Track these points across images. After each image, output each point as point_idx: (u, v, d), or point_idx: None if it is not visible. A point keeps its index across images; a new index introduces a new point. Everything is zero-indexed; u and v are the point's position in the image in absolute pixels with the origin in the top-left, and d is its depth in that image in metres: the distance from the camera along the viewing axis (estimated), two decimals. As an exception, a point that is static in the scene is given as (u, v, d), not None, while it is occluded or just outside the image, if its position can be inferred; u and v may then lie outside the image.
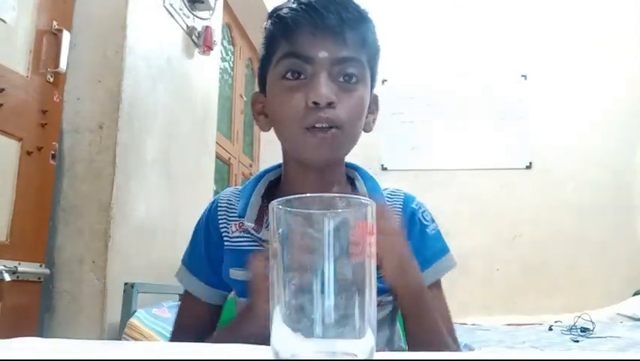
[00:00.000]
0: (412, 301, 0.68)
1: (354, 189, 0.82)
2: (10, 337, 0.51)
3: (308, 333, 0.40)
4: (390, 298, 0.79)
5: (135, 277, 1.93)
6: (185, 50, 2.49)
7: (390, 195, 0.83)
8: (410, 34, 4.14)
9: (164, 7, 2.28)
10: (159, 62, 2.23)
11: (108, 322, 1.81)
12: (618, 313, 3.06)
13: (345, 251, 0.41)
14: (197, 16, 2.59)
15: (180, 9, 2.43)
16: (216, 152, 3.00)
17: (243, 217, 0.78)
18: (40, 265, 1.82)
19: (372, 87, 0.80)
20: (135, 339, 1.72)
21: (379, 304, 0.74)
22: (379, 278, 0.71)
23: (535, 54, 4.06)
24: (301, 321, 0.41)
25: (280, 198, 0.43)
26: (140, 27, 2.06)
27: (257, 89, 0.84)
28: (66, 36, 1.98)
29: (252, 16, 3.49)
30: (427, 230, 0.82)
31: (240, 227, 0.80)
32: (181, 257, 0.89)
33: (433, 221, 0.83)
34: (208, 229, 0.83)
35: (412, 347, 0.74)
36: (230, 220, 0.81)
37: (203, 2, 2.54)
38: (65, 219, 1.85)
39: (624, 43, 3.99)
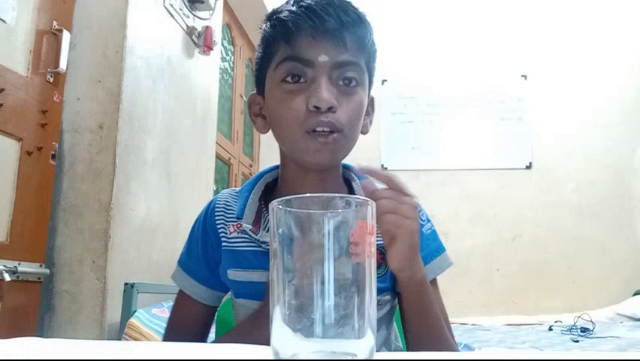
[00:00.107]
0: (416, 293, 0.68)
1: (350, 189, 0.82)
2: (10, 337, 0.51)
3: (308, 333, 0.41)
4: (389, 297, 0.79)
5: (135, 277, 1.93)
6: (185, 50, 2.49)
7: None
8: (410, 35, 4.14)
9: (164, 7, 2.28)
10: (159, 62, 2.23)
11: (108, 322, 1.81)
12: (618, 313, 3.05)
13: (345, 251, 0.41)
14: (197, 16, 2.59)
15: (180, 9, 2.43)
16: (216, 152, 3.00)
17: (241, 218, 0.78)
18: (40, 265, 1.82)
19: (369, 89, 0.80)
20: (135, 339, 1.72)
21: (377, 304, 0.74)
22: (378, 278, 0.71)
23: (535, 54, 4.06)
24: (301, 321, 0.41)
25: (280, 198, 0.43)
26: (140, 27, 2.06)
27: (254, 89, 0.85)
28: (66, 36, 1.98)
29: (252, 16, 3.50)
30: (423, 230, 0.82)
31: (237, 228, 0.80)
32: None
33: (429, 221, 0.83)
34: (205, 230, 0.83)
35: (412, 344, 0.74)
36: (228, 221, 0.81)
37: (203, 2, 2.54)
38: (65, 219, 1.85)
39: (624, 44, 3.99)
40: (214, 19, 2.74)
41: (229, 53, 3.53)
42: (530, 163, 3.98)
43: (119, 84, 1.93)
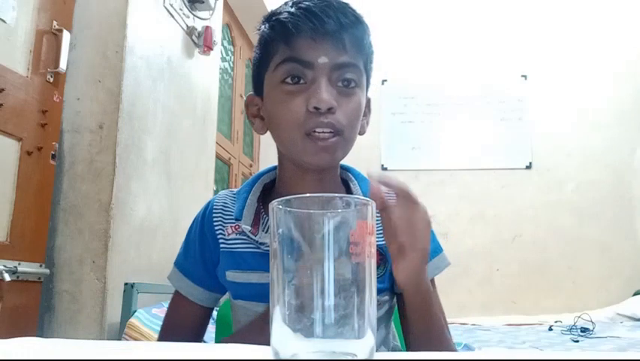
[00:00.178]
0: (421, 303, 0.68)
1: (348, 190, 0.82)
2: (10, 337, 0.51)
3: (308, 333, 0.41)
4: (387, 297, 0.79)
5: (135, 277, 1.93)
6: (185, 50, 2.49)
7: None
8: (410, 35, 4.14)
9: (164, 7, 2.28)
10: (159, 62, 2.23)
11: (108, 322, 1.81)
12: (618, 313, 3.06)
13: (345, 251, 0.41)
14: (197, 16, 2.59)
15: (180, 9, 2.43)
16: (216, 152, 3.00)
17: (240, 220, 0.78)
18: (40, 265, 1.82)
19: (366, 90, 0.80)
20: (135, 339, 1.72)
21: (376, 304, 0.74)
22: (377, 278, 0.71)
23: (535, 54, 4.06)
24: (301, 321, 0.41)
25: (280, 198, 0.43)
26: (140, 27, 2.06)
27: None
28: (66, 36, 1.98)
29: (252, 16, 3.50)
30: None
31: (236, 230, 0.80)
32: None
33: None
34: (203, 232, 0.83)
35: (413, 346, 0.74)
36: (226, 223, 0.81)
37: (203, 2, 2.54)
38: (65, 219, 1.85)
39: (624, 44, 3.99)
40: (214, 19, 2.74)
41: (229, 53, 3.53)
42: (530, 163, 3.98)
43: (119, 84, 1.93)
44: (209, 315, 0.88)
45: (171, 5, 2.33)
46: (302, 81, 0.73)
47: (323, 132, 0.71)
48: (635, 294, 3.45)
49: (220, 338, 1.02)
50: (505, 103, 4.07)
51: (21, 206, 1.78)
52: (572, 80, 4.00)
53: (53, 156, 1.92)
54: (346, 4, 0.75)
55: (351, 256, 0.42)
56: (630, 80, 3.96)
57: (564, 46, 4.03)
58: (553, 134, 3.97)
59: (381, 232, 0.62)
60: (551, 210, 3.88)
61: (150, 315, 1.83)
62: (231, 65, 3.57)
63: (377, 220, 0.56)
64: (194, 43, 2.58)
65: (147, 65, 2.12)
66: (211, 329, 1.04)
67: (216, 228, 0.82)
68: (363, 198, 0.44)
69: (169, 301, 0.89)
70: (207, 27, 2.60)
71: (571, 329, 2.50)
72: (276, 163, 0.84)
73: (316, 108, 0.70)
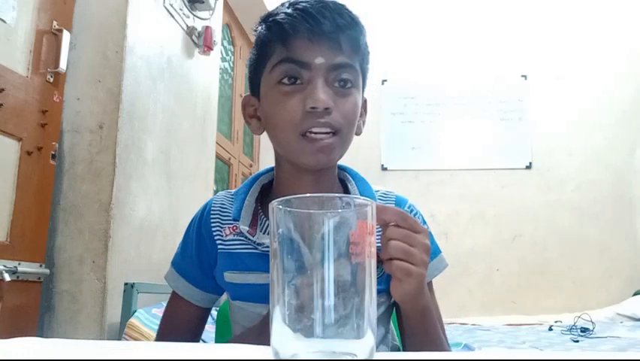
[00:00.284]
0: (419, 319, 0.68)
1: (345, 190, 0.83)
2: (10, 337, 0.51)
3: (308, 333, 0.41)
4: (384, 299, 0.79)
5: (135, 277, 1.93)
6: (185, 50, 2.49)
7: (382, 197, 0.84)
8: (410, 35, 4.14)
9: (164, 7, 2.28)
10: (159, 62, 2.23)
11: (108, 322, 1.81)
12: (618, 313, 3.06)
13: (345, 251, 0.41)
14: (197, 16, 2.59)
15: (180, 9, 2.43)
16: (216, 152, 3.00)
17: (238, 220, 0.78)
18: (40, 265, 1.82)
19: (363, 91, 0.80)
20: (135, 339, 1.72)
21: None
22: (377, 279, 0.71)
23: (535, 54, 4.06)
24: (301, 321, 0.41)
25: (280, 198, 0.43)
26: (140, 27, 2.06)
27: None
28: (66, 36, 1.98)
29: (252, 16, 3.50)
30: None
31: (234, 230, 0.80)
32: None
33: (425, 223, 0.84)
34: (200, 233, 0.83)
35: (409, 350, 0.74)
36: (224, 224, 0.81)
37: (203, 2, 2.54)
38: (65, 219, 1.85)
39: (623, 44, 3.99)
40: (214, 19, 2.74)
41: (229, 53, 3.53)
42: (530, 163, 3.98)
43: (119, 84, 1.93)
44: (207, 315, 0.88)
45: (171, 5, 2.33)
46: (299, 82, 0.73)
47: (319, 132, 0.72)
48: (635, 294, 3.45)
49: (220, 339, 1.02)
50: (505, 103, 4.07)
51: (21, 206, 1.78)
52: (572, 80, 4.00)
53: (53, 156, 1.92)
54: (342, 5, 0.75)
55: (351, 256, 0.42)
56: (631, 80, 3.96)
57: (564, 46, 4.03)
58: (553, 134, 3.97)
59: (379, 233, 0.61)
60: (551, 210, 3.88)
61: (150, 315, 1.83)
62: (231, 65, 3.57)
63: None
64: (194, 43, 2.58)
65: (147, 65, 2.12)
66: (211, 329, 1.04)
67: (214, 229, 0.82)
68: (363, 198, 0.44)
69: (167, 301, 0.89)
70: (207, 27, 2.60)
71: (571, 329, 2.50)
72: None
73: (313, 108, 0.71)
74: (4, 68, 1.72)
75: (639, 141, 3.91)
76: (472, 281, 3.81)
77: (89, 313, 1.79)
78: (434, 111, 4.12)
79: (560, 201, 3.89)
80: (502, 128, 4.04)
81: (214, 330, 1.05)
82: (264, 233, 0.77)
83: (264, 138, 0.80)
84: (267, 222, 0.79)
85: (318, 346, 0.40)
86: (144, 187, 2.08)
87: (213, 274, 0.82)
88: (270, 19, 0.76)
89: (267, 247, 0.75)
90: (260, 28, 0.78)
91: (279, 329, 0.41)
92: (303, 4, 0.73)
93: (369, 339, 0.42)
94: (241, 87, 3.71)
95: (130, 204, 1.97)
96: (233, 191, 0.85)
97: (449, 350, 0.76)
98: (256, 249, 0.77)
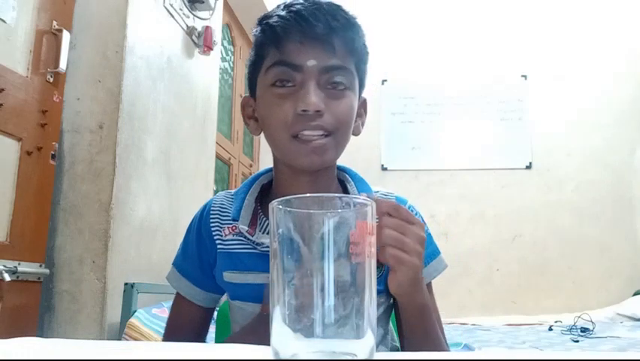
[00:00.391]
0: (417, 317, 0.68)
1: (345, 191, 0.83)
2: (10, 337, 0.51)
3: (308, 333, 0.41)
4: (383, 299, 0.79)
5: (135, 277, 1.93)
6: (185, 50, 2.49)
7: (381, 198, 0.84)
8: (410, 35, 4.14)
9: (164, 7, 2.28)
10: (159, 62, 2.23)
11: (108, 322, 1.81)
12: (618, 313, 3.06)
13: (345, 251, 0.41)
14: (197, 16, 2.59)
15: (180, 9, 2.43)
16: (216, 152, 3.00)
17: (237, 220, 0.78)
18: (40, 265, 1.82)
19: (360, 92, 0.80)
20: (135, 339, 1.72)
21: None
22: (377, 279, 0.71)
23: (535, 54, 4.06)
24: (301, 321, 0.41)
25: (280, 198, 0.43)
26: (140, 27, 2.06)
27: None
28: (66, 36, 1.98)
29: (252, 16, 3.50)
30: None
31: (233, 230, 0.80)
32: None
33: (425, 223, 0.84)
34: (200, 233, 0.84)
35: (408, 350, 0.74)
36: (224, 224, 0.81)
37: (203, 2, 2.54)
38: (65, 219, 1.85)
39: (624, 44, 3.99)
40: (214, 19, 2.74)
41: (229, 53, 3.53)
42: (530, 163, 3.98)
43: (119, 84, 1.93)
44: (210, 315, 0.88)
45: (171, 5, 2.33)
46: (291, 84, 0.73)
47: (311, 134, 0.72)
48: (635, 294, 3.45)
49: (220, 339, 1.02)
50: (505, 103, 4.07)
51: (21, 206, 1.78)
52: (572, 80, 4.00)
53: (53, 156, 1.92)
54: (338, 7, 0.75)
55: (351, 257, 0.42)
56: (630, 80, 3.96)
57: (564, 46, 4.03)
58: (553, 134, 3.97)
59: None
60: (551, 210, 3.88)
61: (150, 315, 1.83)
62: (231, 65, 3.57)
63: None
64: (194, 43, 2.58)
65: (147, 65, 2.12)
66: (211, 329, 1.04)
67: (213, 229, 0.82)
68: (363, 198, 0.44)
69: (171, 302, 0.89)
70: (207, 27, 2.60)
71: (571, 329, 2.50)
72: (275, 164, 0.84)
73: (304, 111, 0.71)
74: (4, 68, 1.71)
75: (638, 141, 3.91)
76: (472, 281, 3.81)
77: (89, 313, 1.79)
78: (434, 111, 4.12)
79: (560, 201, 3.89)
80: (502, 128, 4.04)
81: (214, 330, 1.05)
82: (263, 233, 0.77)
83: (264, 138, 0.80)
84: (266, 222, 0.79)
85: (318, 346, 0.40)
86: (144, 187, 2.08)
87: (213, 274, 0.82)
88: (264, 21, 0.76)
89: (267, 246, 0.75)
90: (256, 30, 0.78)
91: (279, 329, 0.41)
92: (298, 6, 0.73)
93: (369, 339, 0.42)
94: (241, 87, 3.71)
95: (130, 204, 1.97)
96: (233, 191, 0.85)
97: (448, 351, 0.76)
98: (255, 249, 0.77)
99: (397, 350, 0.84)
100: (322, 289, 0.41)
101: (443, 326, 0.80)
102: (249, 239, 0.77)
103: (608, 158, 3.90)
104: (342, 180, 0.85)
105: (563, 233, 3.84)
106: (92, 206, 1.85)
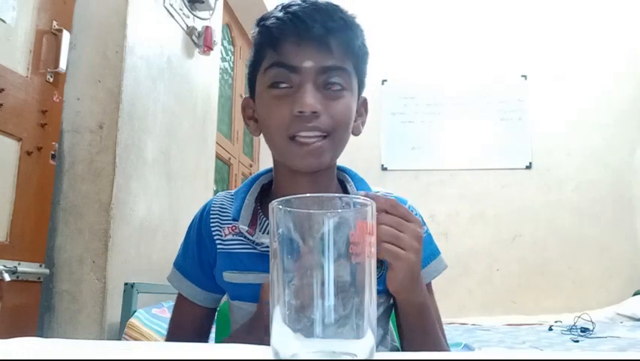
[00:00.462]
0: (415, 315, 0.68)
1: (345, 191, 0.83)
2: (10, 337, 0.51)
3: (308, 333, 0.41)
4: (382, 300, 0.79)
5: (135, 277, 1.93)
6: (185, 50, 2.49)
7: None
8: (410, 35, 4.14)
9: (164, 7, 2.28)
10: (159, 62, 2.23)
11: (108, 322, 1.81)
12: (618, 313, 3.06)
13: (345, 251, 0.41)
14: (197, 16, 2.59)
15: (180, 9, 2.43)
16: (216, 152, 3.00)
17: (237, 220, 0.78)
18: (40, 265, 1.82)
19: (360, 91, 0.80)
20: (135, 339, 1.72)
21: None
22: (377, 279, 0.71)
23: (535, 54, 4.06)
24: (301, 321, 0.41)
25: (280, 198, 0.43)
26: (140, 27, 2.06)
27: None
28: (66, 36, 1.98)
29: (252, 16, 3.49)
30: None
31: (233, 230, 0.80)
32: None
33: (424, 224, 0.84)
34: (200, 233, 0.84)
35: (407, 350, 0.74)
36: (223, 224, 0.81)
37: (203, 2, 2.54)
38: (65, 219, 1.85)
39: (624, 44, 3.99)
40: (214, 19, 2.74)
41: (229, 53, 3.53)
42: (530, 163, 3.98)
43: (119, 84, 1.93)
44: (212, 315, 0.88)
45: (171, 5, 2.33)
46: (288, 85, 0.74)
47: (307, 136, 0.72)
48: (635, 294, 3.45)
49: (220, 339, 1.02)
50: (505, 103, 4.07)
51: (21, 206, 1.78)
52: (572, 80, 4.00)
53: (53, 156, 1.92)
54: (336, 8, 0.75)
55: (351, 257, 0.42)
56: (630, 80, 3.96)
57: (564, 46, 4.03)
58: (553, 134, 3.97)
59: None
60: (551, 210, 3.88)
61: (150, 315, 1.83)
62: (231, 65, 3.57)
63: None
64: (194, 43, 2.58)
65: (147, 65, 2.12)
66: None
67: (213, 229, 0.82)
68: (363, 198, 0.44)
69: (171, 303, 0.89)
70: (207, 27, 2.60)
71: (571, 329, 2.50)
72: (275, 164, 0.85)
73: (300, 113, 0.71)
74: (4, 68, 1.71)
75: (638, 141, 3.91)
76: (472, 281, 3.81)
77: (89, 313, 1.79)
78: (434, 111, 4.12)
79: (560, 201, 3.89)
80: (502, 128, 4.04)
81: (214, 330, 1.05)
82: (263, 233, 0.77)
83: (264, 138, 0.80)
84: (266, 222, 0.79)
85: (318, 346, 0.40)
86: (144, 187, 2.08)
87: (214, 274, 0.82)
88: (262, 22, 0.76)
89: (266, 246, 0.75)
90: (254, 31, 0.79)
91: (279, 329, 0.41)
92: (295, 7, 0.73)
93: (369, 339, 0.42)
94: (241, 87, 3.71)
95: (130, 204, 1.97)
96: (233, 191, 0.86)
97: (448, 351, 0.76)
98: (255, 249, 0.77)
99: (397, 350, 0.84)
100: (322, 289, 0.41)
101: (443, 326, 0.80)
102: (249, 239, 0.77)
103: (608, 158, 3.90)
104: (342, 181, 0.85)
105: (563, 233, 3.83)
106: (92, 206, 1.85)
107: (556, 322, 2.85)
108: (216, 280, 0.82)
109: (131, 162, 1.99)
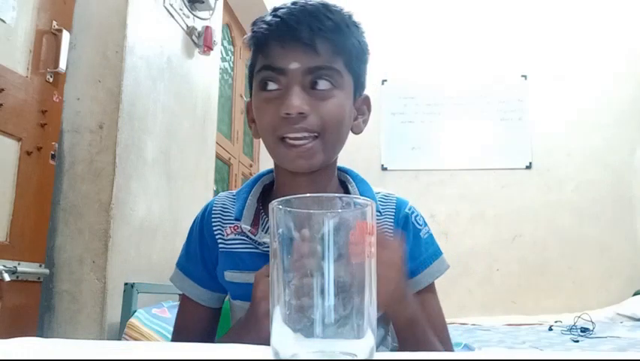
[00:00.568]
0: (405, 329, 0.69)
1: (346, 192, 0.83)
2: (10, 337, 0.51)
3: (308, 333, 0.41)
4: None
5: (135, 277, 1.93)
6: (185, 50, 2.49)
7: (382, 199, 0.84)
8: (410, 35, 4.14)
9: (164, 7, 2.28)
10: (159, 62, 2.23)
11: (108, 322, 1.81)
12: (618, 313, 3.06)
13: (345, 251, 0.41)
14: (197, 16, 2.59)
15: (180, 9, 2.43)
16: (216, 152, 3.00)
17: (239, 220, 0.79)
18: (40, 265, 1.82)
19: (357, 90, 0.80)
20: (135, 339, 1.72)
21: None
22: None
23: (535, 54, 4.06)
24: (301, 321, 0.41)
25: (280, 198, 0.43)
26: (140, 27, 2.06)
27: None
28: (66, 36, 1.98)
29: (251, 16, 3.46)
30: (421, 234, 0.83)
31: (235, 230, 0.80)
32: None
33: (426, 224, 0.84)
34: (202, 232, 0.84)
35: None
36: (225, 223, 0.82)
37: (203, 2, 2.54)
38: (65, 219, 1.85)
39: (624, 44, 3.99)
40: (214, 19, 2.74)
41: (229, 53, 3.53)
42: (530, 163, 3.98)
43: (119, 84, 1.93)
44: (217, 316, 0.88)
45: (171, 5, 2.33)
46: (277, 88, 0.74)
47: (296, 138, 0.73)
48: (635, 294, 3.45)
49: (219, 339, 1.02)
50: (505, 103, 4.07)
51: (21, 206, 1.78)
52: (572, 80, 4.00)
53: (53, 156, 1.92)
54: (325, 8, 0.75)
55: (351, 257, 0.42)
56: (630, 80, 3.96)
57: (564, 46, 4.03)
58: (553, 134, 3.97)
59: None
60: (551, 210, 3.88)
61: (150, 315, 1.83)
62: (231, 65, 3.57)
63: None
64: (194, 43, 2.58)
65: (147, 65, 2.12)
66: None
67: (215, 228, 0.82)
68: (363, 198, 0.44)
69: (171, 302, 0.89)
70: (207, 27, 2.60)
71: (571, 329, 2.50)
72: (276, 164, 0.85)
73: (287, 114, 0.72)
74: (3, 68, 1.71)
75: (638, 141, 3.91)
76: (472, 281, 3.81)
77: (89, 313, 1.79)
78: (434, 111, 4.12)
79: (560, 201, 3.89)
80: (502, 128, 4.04)
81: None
82: (265, 233, 0.77)
83: (264, 138, 0.81)
84: (268, 221, 0.79)
85: (318, 346, 0.40)
86: (144, 187, 2.08)
87: (216, 273, 0.82)
88: (252, 27, 0.78)
89: (268, 246, 0.75)
90: (246, 37, 0.80)
91: (279, 329, 0.41)
92: (283, 10, 0.74)
93: (369, 339, 0.42)
94: (241, 87, 3.71)
95: (130, 204, 1.97)
96: (234, 191, 0.86)
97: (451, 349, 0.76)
98: (257, 248, 0.77)
99: (398, 350, 0.84)
100: (322, 290, 0.41)
101: (448, 327, 0.80)
102: (251, 239, 0.78)
103: (608, 158, 3.90)
104: (344, 182, 0.85)
105: (563, 233, 3.83)
106: (92, 206, 1.85)
107: (556, 322, 2.85)
108: (218, 279, 0.82)
109: (131, 162, 1.99)
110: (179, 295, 0.89)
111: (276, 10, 0.75)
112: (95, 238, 1.84)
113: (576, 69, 4.00)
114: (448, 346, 0.78)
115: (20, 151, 1.79)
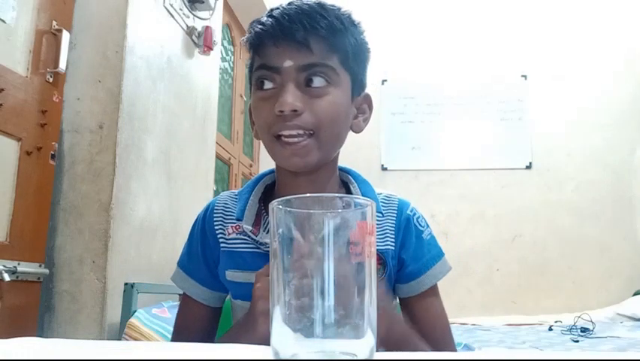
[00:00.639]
0: (397, 348, 0.69)
1: (348, 192, 0.83)
2: (10, 337, 0.51)
3: (308, 333, 0.41)
4: None
5: (135, 277, 1.93)
6: (185, 50, 2.49)
7: (384, 200, 0.84)
8: (410, 35, 4.14)
9: (164, 7, 2.28)
10: (159, 62, 2.23)
11: (108, 322, 1.81)
12: (618, 313, 3.06)
13: (345, 251, 0.41)
14: (197, 16, 2.59)
15: (180, 9, 2.43)
16: (216, 152, 3.00)
17: (241, 220, 0.79)
18: (40, 265, 1.82)
19: (356, 89, 0.79)
20: (135, 339, 1.72)
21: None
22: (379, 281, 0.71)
23: (535, 54, 4.06)
24: (301, 321, 0.41)
25: (280, 198, 0.43)
26: (140, 27, 2.06)
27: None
28: (66, 36, 1.98)
29: (251, 16, 3.46)
30: (423, 236, 0.83)
31: (236, 229, 0.80)
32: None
33: (428, 226, 0.84)
34: (204, 232, 0.84)
35: None
36: (227, 223, 0.82)
37: (203, 2, 2.54)
38: (65, 219, 1.85)
39: (624, 44, 3.99)
40: (214, 19, 2.74)
41: (229, 53, 3.53)
42: (530, 163, 3.98)
43: (119, 84, 1.93)
44: (218, 314, 0.88)
45: (171, 5, 2.33)
46: (272, 86, 0.75)
47: (290, 135, 0.73)
48: (635, 294, 3.45)
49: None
50: (505, 103, 4.07)
51: (21, 206, 1.78)
52: (572, 79, 4.00)
53: (53, 156, 1.92)
54: (321, 7, 0.75)
55: (351, 256, 0.42)
56: (630, 80, 3.96)
57: (564, 46, 4.03)
58: (553, 134, 3.97)
59: (380, 236, 0.61)
60: (551, 210, 3.88)
61: (150, 315, 1.83)
62: (231, 65, 3.57)
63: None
64: (194, 43, 2.58)
65: (147, 65, 2.12)
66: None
67: (217, 228, 0.82)
68: (363, 198, 0.44)
69: (171, 302, 0.89)
70: (207, 27, 2.60)
71: (571, 329, 2.50)
72: (276, 164, 0.85)
73: (281, 112, 0.72)
74: (3, 68, 1.71)
75: (638, 141, 3.90)
76: (472, 281, 3.81)
77: (89, 313, 1.79)
78: (434, 111, 4.12)
79: (560, 201, 3.89)
80: (502, 128, 4.04)
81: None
82: (266, 232, 0.78)
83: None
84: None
85: (318, 346, 0.40)
86: (144, 187, 2.08)
87: (218, 273, 0.82)
88: (249, 28, 0.79)
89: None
90: (244, 38, 0.81)
91: (279, 329, 0.41)
92: (278, 10, 0.75)
93: (369, 339, 0.42)
94: (241, 87, 3.71)
95: (130, 204, 1.97)
96: (236, 191, 0.86)
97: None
98: (258, 248, 0.78)
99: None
100: (322, 289, 0.41)
101: (451, 328, 0.80)
102: (252, 239, 0.78)
103: (608, 158, 3.90)
104: (346, 182, 0.85)
105: (563, 233, 3.83)
106: (92, 206, 1.85)
107: (556, 322, 2.85)
108: (220, 278, 0.82)
109: (131, 162, 1.99)
110: (180, 294, 0.89)
111: (271, 10, 0.76)
112: (95, 238, 1.84)
113: (576, 69, 4.00)
114: (450, 347, 0.78)
115: (20, 151, 1.79)
